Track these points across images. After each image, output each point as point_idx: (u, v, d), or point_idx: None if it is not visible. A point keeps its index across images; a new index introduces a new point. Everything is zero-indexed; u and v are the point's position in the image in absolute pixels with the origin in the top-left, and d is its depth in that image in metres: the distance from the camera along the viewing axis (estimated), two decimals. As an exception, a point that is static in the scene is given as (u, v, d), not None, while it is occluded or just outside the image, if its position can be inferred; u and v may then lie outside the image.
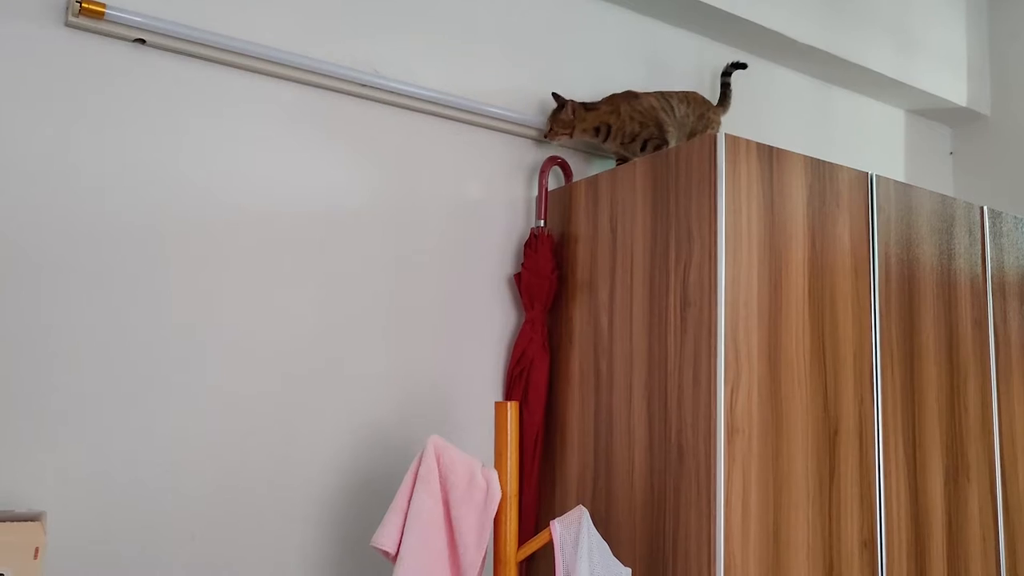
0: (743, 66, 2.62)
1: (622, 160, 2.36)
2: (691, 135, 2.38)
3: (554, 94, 2.31)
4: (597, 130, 2.30)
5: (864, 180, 2.02)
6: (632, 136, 2.30)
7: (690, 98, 2.40)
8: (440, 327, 2.16)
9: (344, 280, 2.04)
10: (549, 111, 2.37)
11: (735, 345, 1.74)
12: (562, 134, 2.28)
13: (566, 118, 2.26)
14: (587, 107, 2.29)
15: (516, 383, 2.18)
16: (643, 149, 2.32)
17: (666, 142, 2.32)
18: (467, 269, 2.22)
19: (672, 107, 2.35)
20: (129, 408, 1.76)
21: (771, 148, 1.86)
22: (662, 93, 2.37)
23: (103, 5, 1.75)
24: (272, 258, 1.95)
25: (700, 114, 2.40)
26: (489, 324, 2.24)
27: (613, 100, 2.32)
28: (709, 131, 2.40)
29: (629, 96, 2.34)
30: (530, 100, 2.37)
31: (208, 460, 1.83)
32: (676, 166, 1.89)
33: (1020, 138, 3.29)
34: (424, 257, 2.16)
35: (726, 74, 2.60)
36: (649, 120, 2.30)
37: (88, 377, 1.72)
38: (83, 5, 1.72)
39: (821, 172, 1.94)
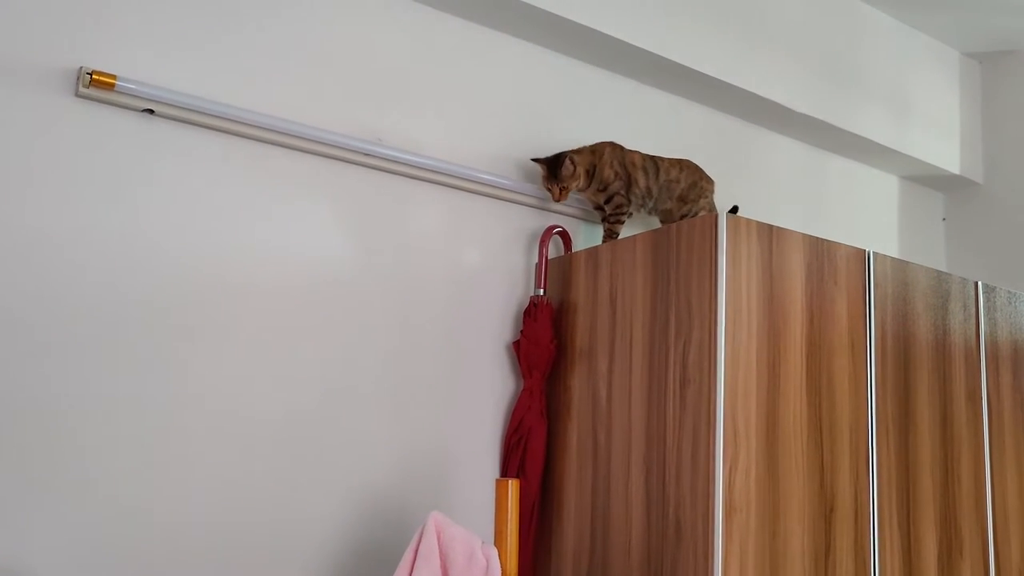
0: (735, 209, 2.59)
1: (604, 218, 2.37)
2: (680, 199, 2.38)
3: (535, 159, 2.31)
4: (588, 172, 2.29)
5: (861, 257, 2.04)
6: (605, 183, 2.30)
7: (683, 164, 2.42)
8: (439, 393, 2.17)
9: (344, 347, 2.05)
10: (539, 176, 2.33)
11: (734, 424, 1.76)
12: (571, 188, 2.26)
13: (568, 172, 2.24)
14: (577, 152, 2.28)
15: (514, 451, 2.19)
16: (607, 202, 2.31)
17: (628, 202, 2.32)
18: (467, 336, 2.23)
19: (658, 170, 2.36)
20: (128, 478, 1.75)
21: (771, 227, 1.88)
22: (652, 156, 2.39)
23: (114, 77, 1.77)
24: (273, 325, 1.96)
25: (693, 182, 2.40)
26: (488, 391, 2.25)
27: (596, 145, 2.33)
28: (703, 200, 2.41)
29: (615, 145, 2.35)
30: (531, 168, 2.40)
31: (206, 529, 1.83)
32: (677, 243, 1.91)
33: (1012, 205, 3.34)
34: (424, 324, 2.17)
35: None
36: (623, 173, 2.31)
37: (88, 448, 1.72)
38: (94, 77, 1.75)
39: (820, 250, 1.96)
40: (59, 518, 1.68)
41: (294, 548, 1.92)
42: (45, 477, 1.67)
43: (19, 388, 1.66)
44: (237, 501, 1.87)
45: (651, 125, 2.71)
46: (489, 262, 2.30)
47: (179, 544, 1.79)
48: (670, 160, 2.40)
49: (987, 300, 2.32)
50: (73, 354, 1.72)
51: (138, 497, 1.76)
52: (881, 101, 3.15)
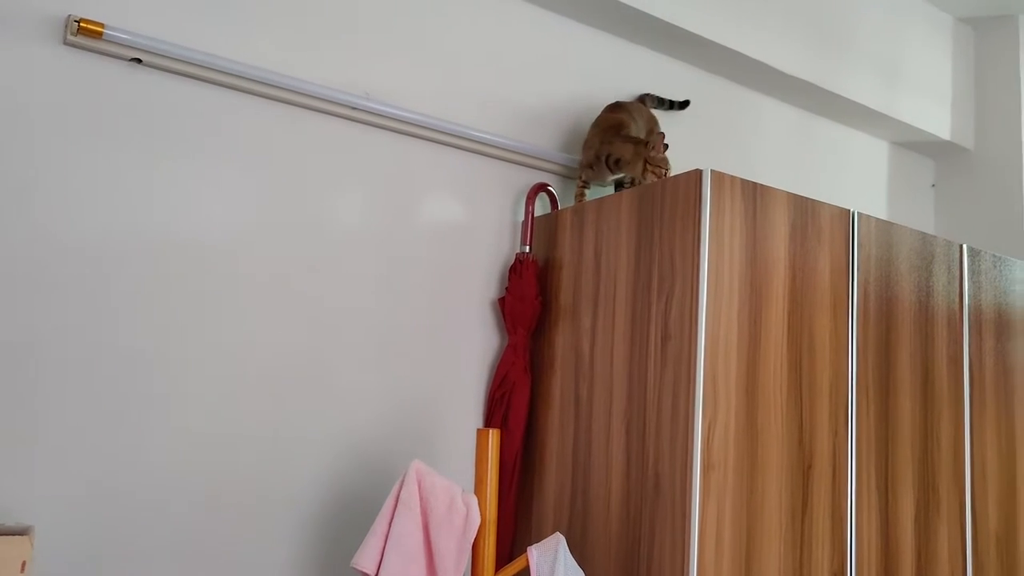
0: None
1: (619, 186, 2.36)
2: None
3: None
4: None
5: (846, 217, 2.05)
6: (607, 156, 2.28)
7: (643, 114, 2.43)
8: (424, 349, 2.19)
9: (330, 300, 2.06)
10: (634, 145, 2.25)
11: (713, 380, 1.77)
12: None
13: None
14: (609, 144, 2.26)
15: (497, 406, 2.21)
16: (606, 161, 2.29)
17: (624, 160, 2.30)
18: (452, 292, 2.25)
19: (635, 122, 2.35)
20: (118, 424, 1.77)
21: (755, 184, 1.89)
22: (626, 110, 2.37)
23: (101, 25, 1.77)
24: (261, 278, 1.97)
25: (650, 129, 2.39)
26: (472, 347, 2.27)
27: (604, 124, 2.31)
28: (653, 153, 2.37)
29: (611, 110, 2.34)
30: (518, 125, 2.40)
31: (193, 477, 1.85)
32: (661, 199, 1.92)
33: (1002, 172, 3.34)
34: (410, 279, 2.18)
35: (669, 106, 2.66)
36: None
37: (78, 392, 1.74)
38: (81, 25, 1.74)
39: (804, 208, 1.97)
40: (51, 460, 1.70)
41: (279, 492, 1.95)
42: (37, 420, 1.69)
43: (13, 330, 1.68)
44: (224, 446, 1.89)
45: (638, 84, 2.71)
46: (475, 218, 2.31)
47: (167, 486, 1.81)
48: (635, 109, 2.40)
49: (972, 263, 2.34)
50: (61, 298, 1.73)
51: (127, 441, 1.78)
52: (872, 65, 3.14)
